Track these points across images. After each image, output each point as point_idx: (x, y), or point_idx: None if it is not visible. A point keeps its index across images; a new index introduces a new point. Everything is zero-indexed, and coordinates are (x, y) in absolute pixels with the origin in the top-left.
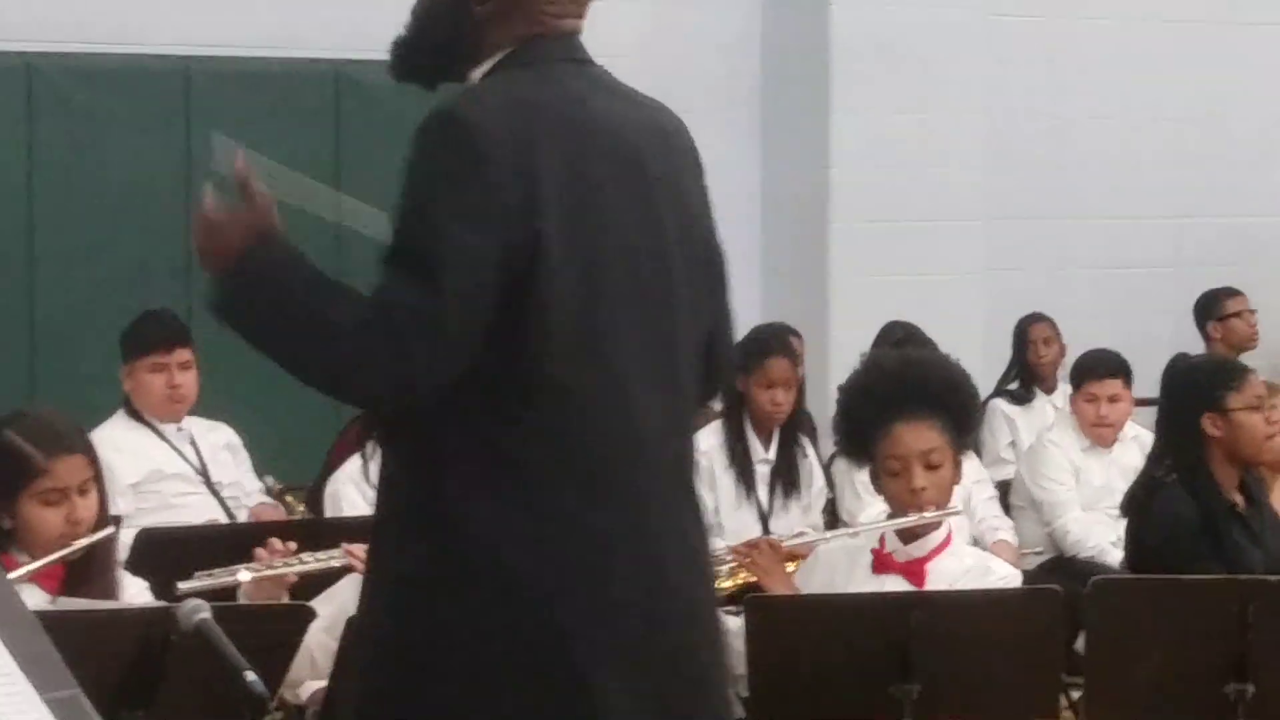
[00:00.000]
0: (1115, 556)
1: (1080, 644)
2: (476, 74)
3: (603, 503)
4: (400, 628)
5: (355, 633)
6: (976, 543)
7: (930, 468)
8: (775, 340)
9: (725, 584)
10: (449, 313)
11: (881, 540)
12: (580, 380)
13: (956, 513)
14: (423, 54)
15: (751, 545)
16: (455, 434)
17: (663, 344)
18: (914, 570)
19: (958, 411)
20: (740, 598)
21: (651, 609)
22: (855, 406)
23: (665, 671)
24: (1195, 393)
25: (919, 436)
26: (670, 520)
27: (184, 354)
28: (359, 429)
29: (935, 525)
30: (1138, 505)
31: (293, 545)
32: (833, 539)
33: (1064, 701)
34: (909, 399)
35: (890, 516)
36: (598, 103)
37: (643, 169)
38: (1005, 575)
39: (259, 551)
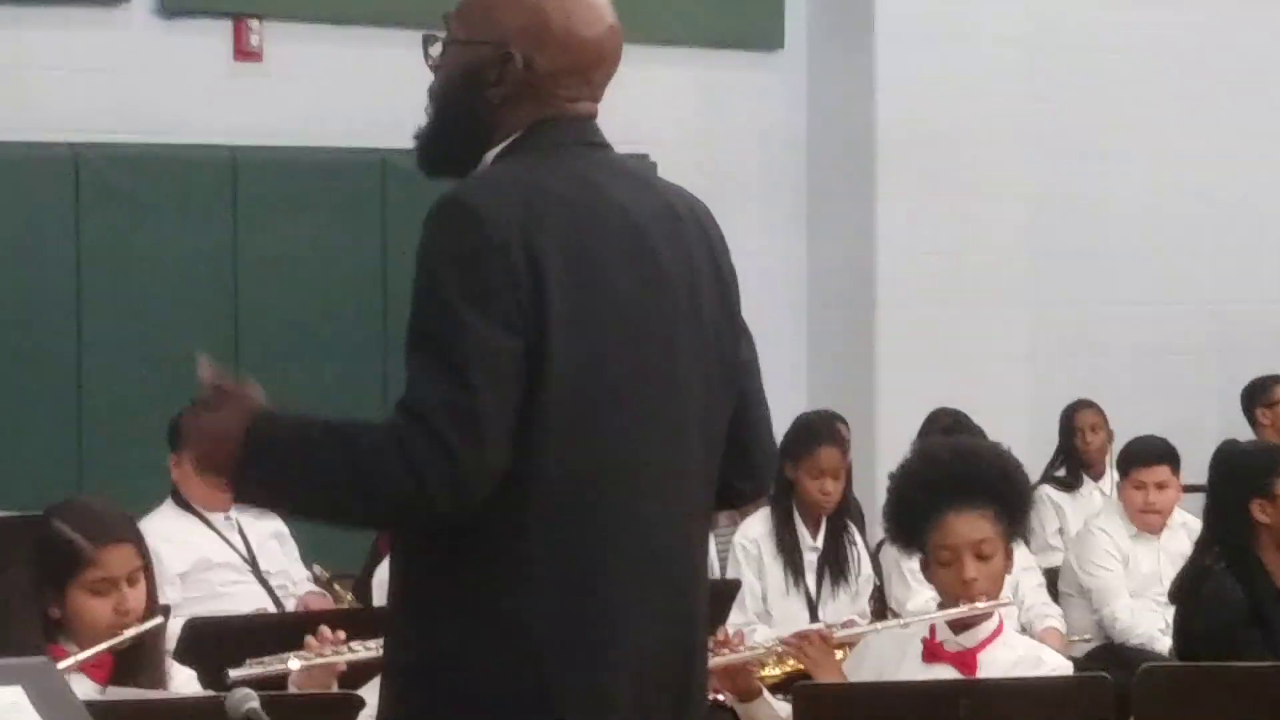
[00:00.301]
0: (1164, 644)
1: None
2: (490, 156)
3: (599, 599)
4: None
5: None
6: (1025, 630)
7: (982, 558)
8: (825, 429)
9: (774, 671)
10: (483, 407)
11: (932, 630)
12: (582, 477)
13: (1008, 604)
14: (444, 144)
15: (803, 636)
16: (460, 531)
17: (670, 433)
18: (965, 660)
19: (1010, 501)
20: (787, 685)
21: (641, 698)
22: (907, 495)
23: None
24: (1244, 479)
25: (972, 527)
26: (673, 631)
27: None
28: None
29: (987, 616)
30: (1186, 592)
31: (342, 634)
32: (883, 629)
33: None
34: (962, 489)
35: (941, 606)
36: (607, 186)
37: (653, 253)
38: (1057, 666)
39: (309, 640)
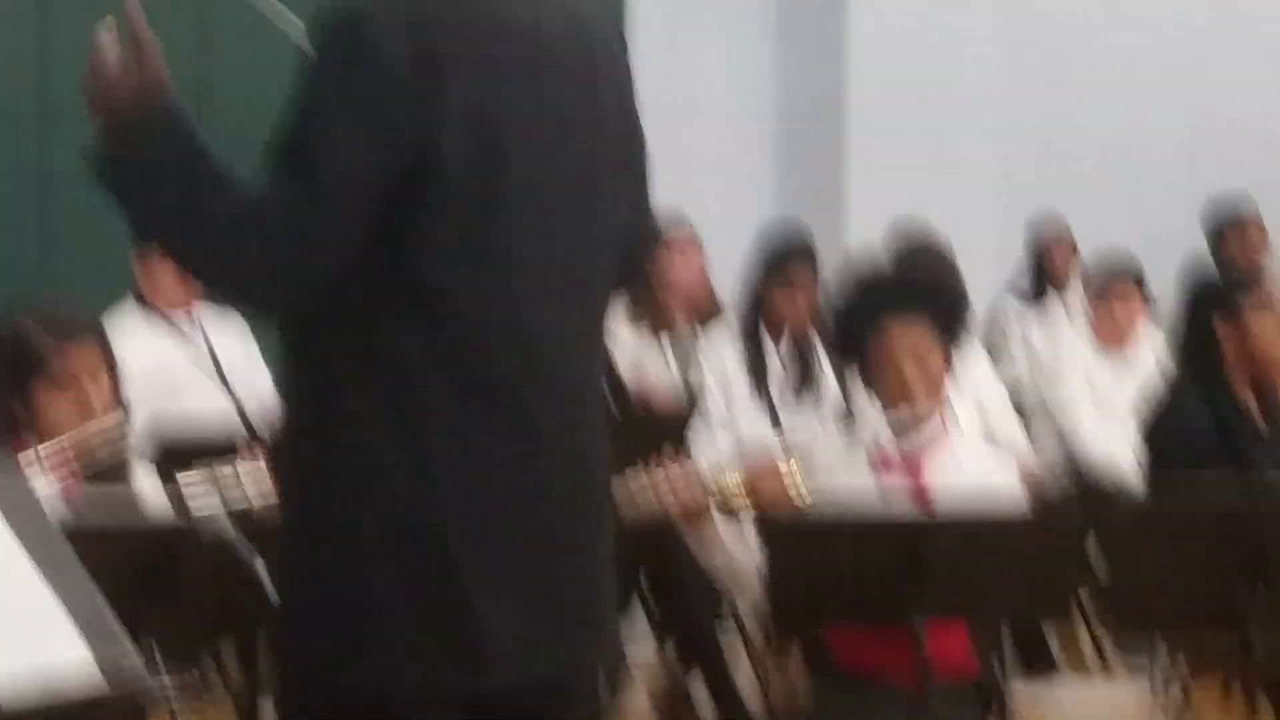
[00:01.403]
0: (1126, 460)
1: (1091, 544)
2: None
3: (484, 418)
4: (292, 546)
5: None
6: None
7: (919, 361)
8: (798, 245)
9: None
10: (321, 214)
11: (876, 440)
12: (466, 292)
13: (944, 401)
14: None
15: (758, 477)
16: (340, 338)
17: (569, 252)
18: (912, 464)
19: (946, 307)
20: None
21: (536, 533)
22: (844, 306)
23: (549, 595)
24: (1210, 297)
25: (908, 332)
26: (564, 440)
27: None
28: None
29: (929, 418)
30: (1152, 409)
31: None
32: (825, 442)
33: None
34: (898, 295)
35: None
36: (508, 3)
37: (555, 66)
38: (1002, 467)
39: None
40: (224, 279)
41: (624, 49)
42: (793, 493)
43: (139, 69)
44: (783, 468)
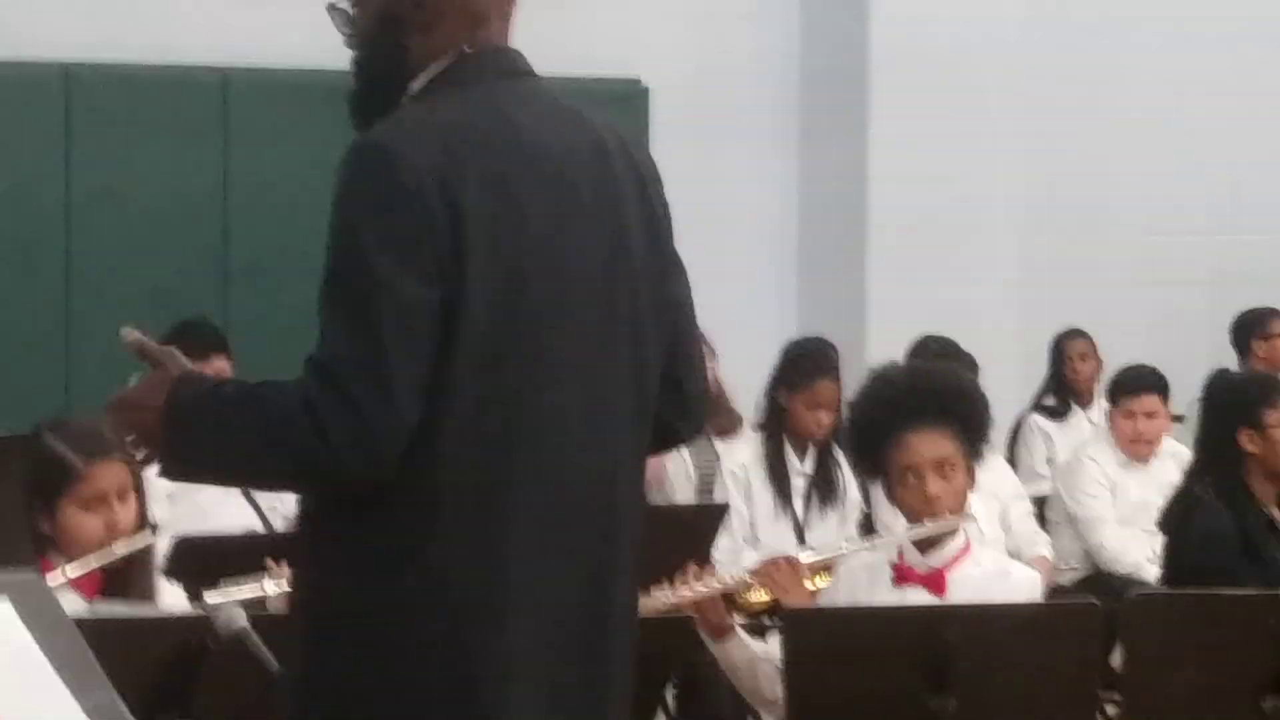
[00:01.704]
0: (1151, 573)
1: (1117, 659)
2: (415, 87)
3: (503, 525)
4: (302, 654)
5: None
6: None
7: (943, 476)
8: (823, 360)
9: (762, 597)
10: (393, 363)
11: (900, 554)
12: (492, 429)
13: (970, 518)
14: (369, 93)
15: (771, 564)
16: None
17: (592, 377)
18: (934, 580)
19: (969, 418)
20: (764, 614)
21: (547, 668)
22: (866, 419)
23: (560, 697)
24: (1234, 408)
25: (931, 444)
26: (583, 546)
27: (221, 363)
28: None
29: (952, 533)
30: (1175, 521)
31: None
32: (850, 553)
33: (1099, 718)
34: (918, 407)
35: (908, 528)
36: (527, 121)
37: (574, 188)
38: (1025, 578)
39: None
40: (324, 458)
41: (656, 180)
42: (808, 582)
43: (156, 373)
44: (799, 557)
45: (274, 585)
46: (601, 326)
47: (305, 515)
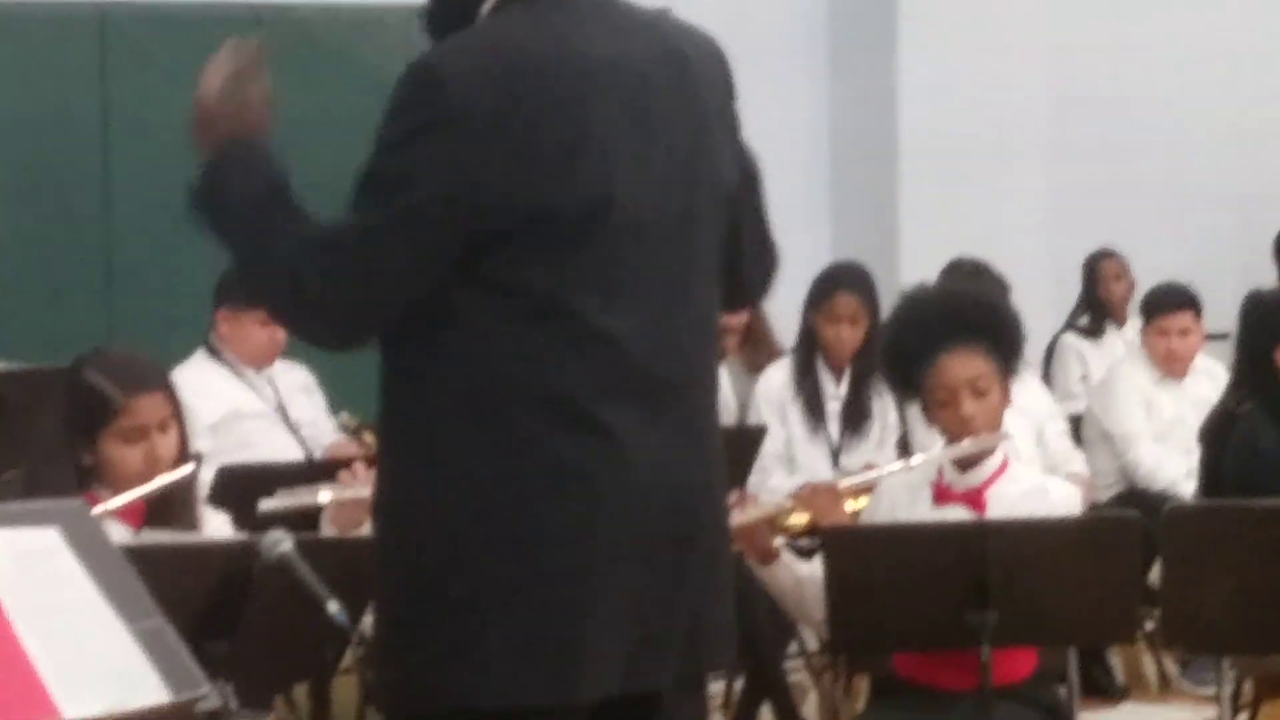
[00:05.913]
0: (1188, 488)
1: (1155, 575)
2: (485, 8)
3: (581, 438)
4: (392, 561)
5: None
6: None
7: (978, 395)
8: (843, 275)
9: (801, 520)
10: (385, 249)
11: (939, 473)
12: (575, 323)
13: (1007, 436)
14: (446, 9)
15: (811, 488)
16: (437, 359)
17: (666, 281)
18: (973, 498)
19: (1001, 337)
20: (805, 534)
21: (632, 552)
22: (899, 341)
23: (643, 613)
24: (1269, 327)
25: (965, 365)
26: (661, 461)
27: None
28: None
29: (990, 451)
30: (1213, 436)
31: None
32: (888, 474)
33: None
34: (952, 328)
35: (945, 447)
36: (595, 37)
37: (646, 105)
38: (1064, 493)
39: (342, 474)
40: (286, 310)
41: (725, 69)
42: (849, 504)
43: (240, 106)
44: (840, 483)
45: (328, 493)
46: (676, 244)
47: (383, 405)
